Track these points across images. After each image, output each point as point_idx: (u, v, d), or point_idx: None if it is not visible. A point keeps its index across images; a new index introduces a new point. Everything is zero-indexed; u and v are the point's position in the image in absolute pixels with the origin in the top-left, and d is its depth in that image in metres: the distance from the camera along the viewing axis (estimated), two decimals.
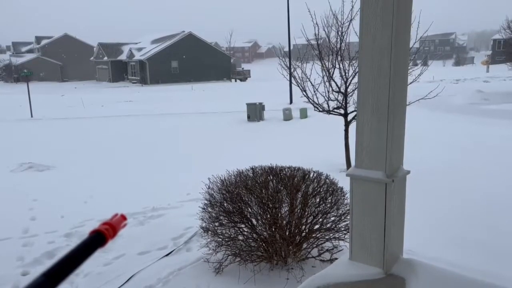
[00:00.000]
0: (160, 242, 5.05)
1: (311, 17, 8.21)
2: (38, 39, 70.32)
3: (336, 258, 3.74)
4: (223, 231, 4.12)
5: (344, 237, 4.15)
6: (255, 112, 16.40)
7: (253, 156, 7.92)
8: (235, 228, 4.09)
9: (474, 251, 4.46)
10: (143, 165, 9.61)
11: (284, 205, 4.07)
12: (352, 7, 7.68)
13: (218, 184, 4.39)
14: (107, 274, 4.29)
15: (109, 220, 0.87)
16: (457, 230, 5.09)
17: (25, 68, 49.98)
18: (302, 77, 8.60)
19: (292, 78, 9.04)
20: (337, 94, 8.30)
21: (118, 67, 57.47)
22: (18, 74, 55.98)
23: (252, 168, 4.54)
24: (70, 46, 68.01)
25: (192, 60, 52.48)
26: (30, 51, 71.29)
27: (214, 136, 13.39)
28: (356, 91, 7.25)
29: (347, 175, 2.77)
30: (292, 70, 9.22)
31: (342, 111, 8.39)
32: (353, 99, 8.11)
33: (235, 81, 54.86)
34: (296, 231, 4.10)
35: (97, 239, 0.83)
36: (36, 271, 4.33)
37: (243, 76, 56.68)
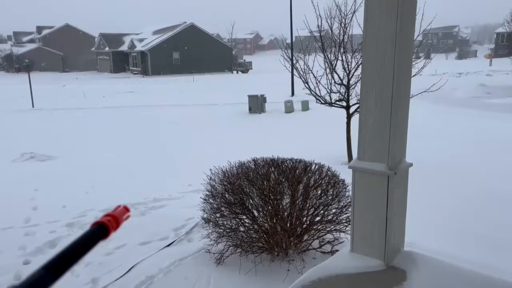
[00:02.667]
0: (162, 233, 5.07)
1: (314, 8, 8.15)
2: (39, 29, 70.03)
3: (337, 250, 3.75)
4: (225, 222, 4.13)
5: (345, 229, 4.16)
6: (257, 104, 16.36)
7: (255, 148, 7.90)
8: (236, 219, 4.10)
9: (474, 244, 4.47)
10: (145, 156, 9.61)
11: (285, 197, 4.08)
12: None
13: (220, 175, 4.39)
14: (108, 264, 4.31)
15: (112, 212, 0.86)
16: (458, 223, 5.10)
17: (26, 58, 49.80)
18: (304, 69, 8.56)
19: (294, 70, 8.99)
20: (339, 86, 8.27)
21: (119, 58, 57.27)
22: (19, 64, 55.85)
23: (253, 160, 4.54)
24: (71, 36, 67.74)
25: (193, 52, 52.27)
26: (31, 41, 71.05)
27: (215, 127, 13.38)
28: (358, 84, 7.23)
29: (349, 167, 2.76)
30: (294, 62, 9.17)
31: (344, 104, 8.36)
32: (355, 92, 8.08)
33: (237, 72, 54.68)
34: (297, 222, 4.10)
35: (100, 231, 0.81)
36: (38, 260, 4.35)
37: (245, 68, 56.47)
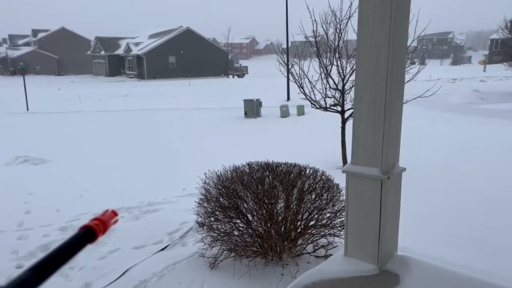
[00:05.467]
0: (156, 237, 5.05)
1: (310, 14, 8.20)
2: (35, 32, 69.90)
3: (331, 254, 3.75)
4: (219, 226, 4.12)
5: (339, 233, 4.16)
6: (252, 108, 16.38)
7: (250, 152, 7.92)
8: (231, 223, 4.09)
9: (468, 249, 4.49)
10: (139, 160, 9.59)
11: (280, 201, 4.08)
12: (351, 4, 7.68)
13: (214, 179, 4.39)
14: (101, 268, 4.29)
15: (100, 216, 0.87)
16: (451, 228, 5.12)
17: (22, 61, 49.71)
18: (299, 74, 8.59)
19: (290, 75, 9.02)
20: (334, 91, 8.30)
21: (115, 62, 57.23)
22: (14, 67, 55.65)
23: (248, 164, 4.54)
24: (67, 40, 67.68)
25: (189, 56, 52.33)
26: (26, 44, 70.88)
27: (210, 131, 13.38)
28: (353, 89, 7.26)
29: (343, 171, 2.78)
30: (289, 66, 9.21)
31: (339, 108, 8.39)
32: (350, 97, 8.11)
33: (233, 77, 54.76)
34: (292, 227, 4.11)
35: (87, 235, 0.82)
36: (31, 264, 4.32)
37: (241, 72, 56.57)
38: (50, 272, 0.72)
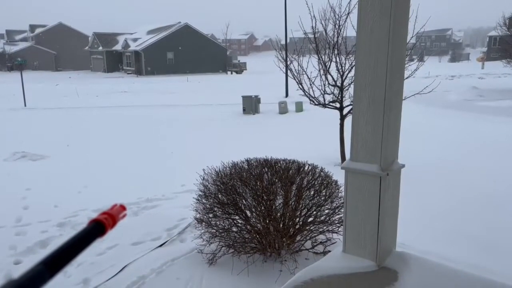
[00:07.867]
0: (154, 233, 5.05)
1: (309, 9, 8.17)
2: (32, 27, 69.55)
3: (330, 251, 3.76)
4: (217, 222, 4.12)
5: (337, 230, 4.17)
6: (251, 104, 16.36)
7: (248, 149, 7.90)
8: (229, 219, 4.09)
9: (467, 246, 4.51)
10: (138, 156, 9.57)
11: (278, 197, 4.08)
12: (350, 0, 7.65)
13: (213, 176, 4.39)
14: (100, 264, 4.29)
15: (109, 210, 0.87)
16: (450, 225, 5.13)
17: (19, 56, 49.53)
18: (298, 70, 8.57)
19: (288, 71, 9.00)
20: (333, 87, 8.29)
21: (113, 58, 57.00)
22: (11, 63, 55.43)
23: (247, 160, 4.54)
24: (64, 35, 67.36)
25: (188, 52, 52.16)
26: (24, 39, 70.52)
27: (209, 128, 13.36)
28: (352, 85, 7.25)
29: (342, 168, 2.77)
30: (288, 63, 9.19)
31: (337, 105, 8.39)
32: (349, 93, 8.11)
33: (231, 73, 54.64)
34: (290, 223, 4.11)
35: (96, 229, 0.82)
36: (29, 260, 4.31)
37: (239, 68, 56.40)
38: (62, 265, 0.73)
